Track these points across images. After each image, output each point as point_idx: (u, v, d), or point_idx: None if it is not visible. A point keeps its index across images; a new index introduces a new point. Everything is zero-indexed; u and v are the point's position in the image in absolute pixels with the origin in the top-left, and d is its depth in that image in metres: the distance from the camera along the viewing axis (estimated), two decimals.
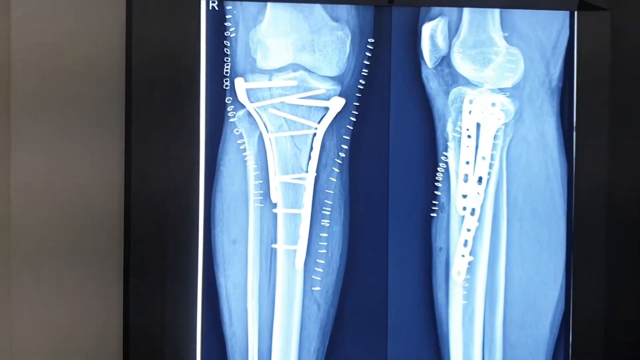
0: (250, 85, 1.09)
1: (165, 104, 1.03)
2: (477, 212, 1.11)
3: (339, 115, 1.10)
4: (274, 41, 1.07)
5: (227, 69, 1.08)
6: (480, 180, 1.11)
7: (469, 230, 1.11)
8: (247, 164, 1.09)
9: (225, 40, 1.06)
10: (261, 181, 1.09)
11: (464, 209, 1.12)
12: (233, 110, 1.09)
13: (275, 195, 1.09)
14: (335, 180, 1.10)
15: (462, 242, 1.11)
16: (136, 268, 1.03)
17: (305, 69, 1.08)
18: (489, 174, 1.11)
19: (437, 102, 1.11)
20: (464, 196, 1.12)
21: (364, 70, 1.10)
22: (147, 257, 1.02)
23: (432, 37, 1.09)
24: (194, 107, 1.05)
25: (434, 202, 1.11)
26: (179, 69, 1.04)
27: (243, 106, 1.09)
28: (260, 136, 1.09)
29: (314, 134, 1.09)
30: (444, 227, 1.12)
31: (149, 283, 1.02)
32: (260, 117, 1.09)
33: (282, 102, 1.09)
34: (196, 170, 1.06)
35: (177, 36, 1.04)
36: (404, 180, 1.10)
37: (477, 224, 1.11)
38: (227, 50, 1.08)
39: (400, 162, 1.10)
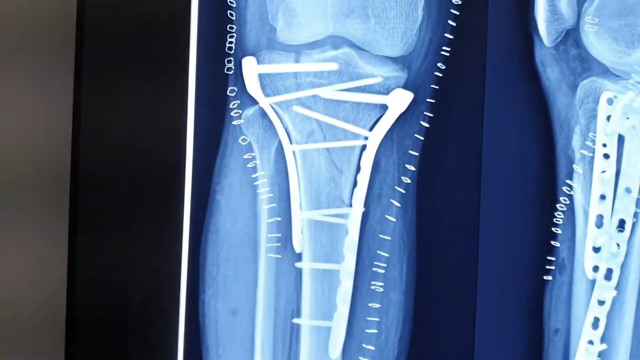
0: (265, 68, 0.84)
1: (136, 93, 0.83)
2: (615, 276, 0.85)
3: (402, 118, 0.84)
4: (304, 0, 0.83)
5: (230, 43, 0.84)
6: (622, 225, 0.85)
7: (601, 303, 0.85)
8: (257, 191, 0.85)
9: None
10: (279, 218, 0.85)
11: (596, 269, 0.85)
12: (238, 107, 0.84)
13: (301, 242, 0.85)
14: (394, 219, 0.84)
15: (591, 321, 0.85)
16: None
17: (352, 45, 0.84)
18: (636, 216, 0.85)
19: (559, 100, 0.84)
20: (596, 250, 0.85)
21: (444, 48, 0.84)
22: None
23: (552, 0, 0.85)
24: (178, 100, 0.83)
25: (548, 257, 0.85)
26: (155, 42, 0.83)
27: (254, 102, 0.85)
28: (280, 149, 0.85)
29: (363, 147, 0.84)
30: (563, 298, 0.85)
31: None
32: (281, 120, 0.85)
33: (314, 97, 0.84)
34: (178, 199, 0.83)
35: None
36: (502, 224, 0.84)
37: (614, 293, 0.85)
38: (230, 14, 0.84)
39: (497, 194, 0.84)
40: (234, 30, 0.83)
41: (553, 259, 0.83)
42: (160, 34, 0.82)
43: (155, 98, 0.83)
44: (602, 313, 0.83)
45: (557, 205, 0.83)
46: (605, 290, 0.83)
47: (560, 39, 0.84)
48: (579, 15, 0.84)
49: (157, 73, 0.83)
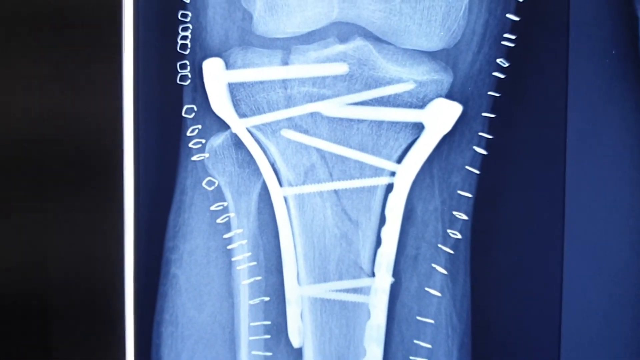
0: (239, 75, 0.59)
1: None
2: None
3: (447, 142, 0.59)
4: None
5: (184, 39, 0.59)
6: None
7: None
8: (232, 259, 0.60)
9: None
10: (266, 298, 0.59)
11: None
12: (199, 135, 0.59)
13: (300, 332, 0.59)
14: (438, 294, 0.58)
15: None
16: None
17: (369, 35, 0.59)
18: None
19: None
20: None
21: (506, 35, 0.57)
22: None
23: None
24: (109, 126, 0.58)
25: None
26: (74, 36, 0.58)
27: (223, 125, 0.60)
28: (265, 194, 0.60)
29: (389, 188, 0.58)
30: None
31: None
32: (265, 151, 0.59)
33: (313, 115, 0.58)
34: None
35: None
36: (595, 290, 0.58)
37: None
38: None
39: (587, 255, 0.57)
40: (188, 20, 0.57)
41: None
42: (81, 25, 0.56)
43: (77, 118, 0.56)
44: None
45: None
46: None
47: None
48: None
49: (78, 81, 0.56)
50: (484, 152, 0.59)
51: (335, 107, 0.58)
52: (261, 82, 0.58)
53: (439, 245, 0.59)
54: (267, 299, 0.59)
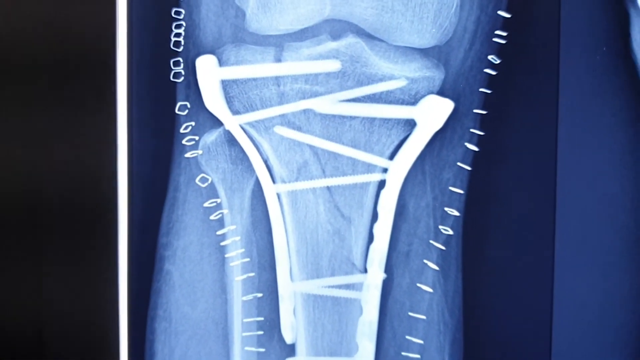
0: (232, 72, 0.59)
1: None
2: None
3: (438, 139, 0.58)
4: None
5: (177, 36, 0.59)
6: None
7: None
8: (225, 255, 0.60)
9: None
10: (259, 294, 0.59)
11: None
12: (193, 132, 0.59)
13: (293, 328, 0.58)
14: (430, 289, 0.58)
15: None
16: None
17: (361, 32, 0.59)
18: None
19: None
20: None
21: (497, 32, 0.57)
22: None
23: None
24: (104, 126, 0.58)
25: None
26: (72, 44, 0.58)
27: (216, 122, 0.60)
28: (258, 191, 0.60)
29: (382, 184, 0.58)
30: None
31: None
32: (258, 148, 0.59)
33: (306, 112, 0.58)
34: (110, 273, 0.57)
35: None
36: (586, 286, 0.58)
37: None
38: None
39: (578, 249, 0.57)
40: (181, 17, 0.57)
41: None
42: (78, 35, 0.56)
43: (72, 123, 0.57)
44: None
45: None
46: None
47: None
48: None
49: (72, 85, 0.56)
50: (475, 148, 0.59)
51: (327, 104, 0.58)
52: (254, 79, 0.58)
53: (431, 241, 0.59)
54: (260, 295, 0.59)
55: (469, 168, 0.58)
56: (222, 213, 0.59)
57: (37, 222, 0.60)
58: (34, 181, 0.60)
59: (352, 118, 0.59)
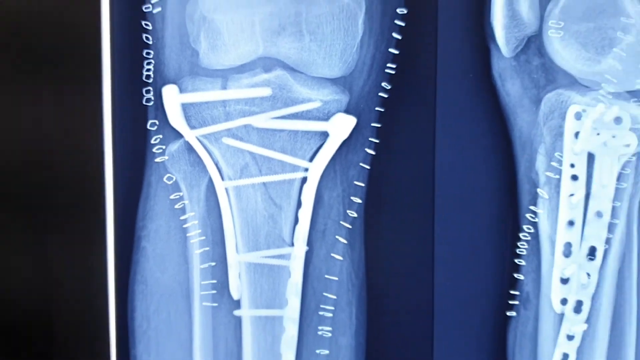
0: (189, 97, 0.76)
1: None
2: (585, 308, 0.77)
3: (345, 145, 0.76)
4: (229, 18, 0.74)
5: (148, 70, 0.76)
6: (592, 253, 0.77)
7: (570, 338, 0.77)
8: (187, 234, 0.77)
9: (144, 19, 0.75)
10: (213, 263, 0.77)
11: (564, 302, 0.77)
12: (161, 142, 0.77)
13: (238, 288, 0.77)
14: (341, 258, 0.77)
15: (559, 358, 0.78)
16: None
17: (286, 67, 0.76)
18: (608, 242, 0.76)
19: (520, 118, 0.76)
20: (564, 281, 0.76)
21: (389, 65, 0.75)
22: None
23: (511, 3, 0.75)
24: (93, 137, 0.75)
25: (511, 292, 0.77)
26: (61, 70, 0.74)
27: (178, 135, 0.77)
28: (211, 186, 0.77)
29: (304, 180, 0.76)
30: (528, 334, 0.77)
31: None
32: (210, 154, 0.77)
33: (246, 127, 0.76)
34: (99, 249, 0.75)
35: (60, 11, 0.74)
36: (459, 258, 0.76)
37: (584, 327, 0.77)
38: (146, 38, 0.75)
39: (453, 225, 0.76)
40: (151, 56, 0.74)
41: (517, 293, 0.76)
42: (68, 62, 0.73)
43: (67, 135, 0.74)
44: (571, 349, 0.76)
45: (521, 235, 0.75)
46: (575, 324, 0.76)
47: (520, 47, 0.75)
48: (541, 19, 0.74)
49: (67, 105, 0.74)
50: (372, 152, 0.77)
51: (262, 121, 0.76)
52: (206, 103, 0.75)
53: (341, 222, 0.77)
54: (213, 264, 0.76)
55: (368, 167, 0.76)
56: (184, 203, 0.77)
57: (37, 220, 0.78)
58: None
59: (281, 131, 0.76)
